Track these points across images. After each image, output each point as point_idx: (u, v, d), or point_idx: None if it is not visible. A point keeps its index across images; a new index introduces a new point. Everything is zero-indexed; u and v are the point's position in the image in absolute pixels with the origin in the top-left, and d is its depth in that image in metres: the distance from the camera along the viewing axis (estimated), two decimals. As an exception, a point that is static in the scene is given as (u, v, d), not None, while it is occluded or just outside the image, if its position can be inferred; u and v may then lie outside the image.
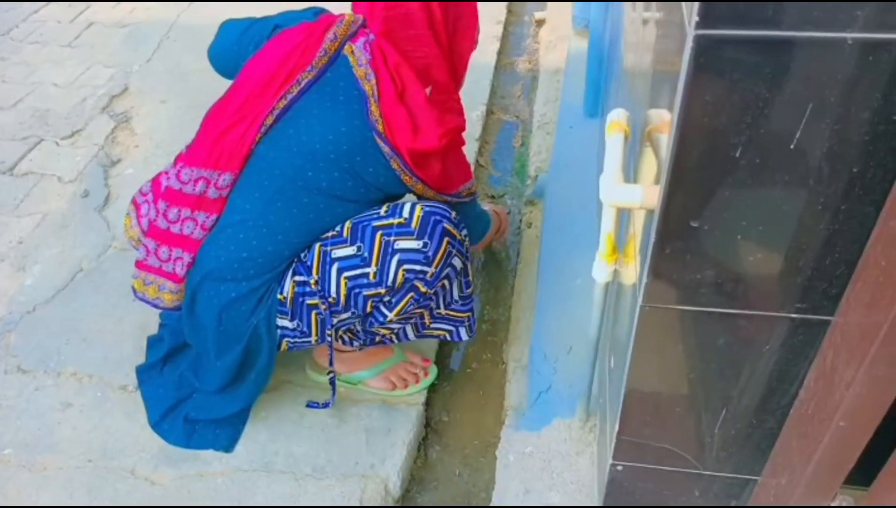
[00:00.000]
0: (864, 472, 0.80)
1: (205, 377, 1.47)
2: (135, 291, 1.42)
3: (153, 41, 2.82)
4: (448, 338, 1.51)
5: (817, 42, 0.63)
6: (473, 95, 2.48)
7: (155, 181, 1.41)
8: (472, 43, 1.42)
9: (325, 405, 1.51)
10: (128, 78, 2.61)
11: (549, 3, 3.03)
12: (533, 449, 1.43)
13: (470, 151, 2.25)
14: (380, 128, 1.27)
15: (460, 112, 1.43)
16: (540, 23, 2.99)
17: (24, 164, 2.25)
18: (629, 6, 1.45)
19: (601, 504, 1.21)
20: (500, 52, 2.79)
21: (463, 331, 1.49)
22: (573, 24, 2.63)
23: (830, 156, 0.69)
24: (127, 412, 1.55)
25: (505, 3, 3.06)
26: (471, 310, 1.47)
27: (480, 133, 2.36)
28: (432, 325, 1.47)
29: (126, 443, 1.50)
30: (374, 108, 1.27)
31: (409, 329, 1.46)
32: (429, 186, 1.34)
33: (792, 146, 0.69)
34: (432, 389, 1.64)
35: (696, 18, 0.63)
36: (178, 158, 1.39)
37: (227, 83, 1.51)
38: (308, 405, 1.53)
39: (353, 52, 1.30)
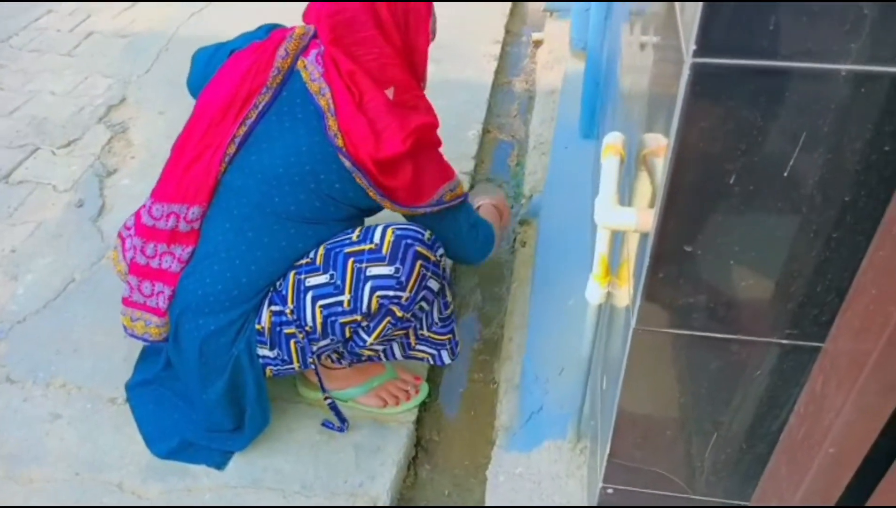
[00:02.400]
0: (852, 500, 0.80)
1: (198, 410, 1.46)
2: (125, 328, 1.42)
3: (152, 52, 2.83)
4: (431, 361, 1.50)
5: (812, 73, 0.64)
6: (470, 113, 2.50)
7: (137, 215, 1.40)
8: (427, 37, 1.37)
9: (341, 430, 1.50)
10: (126, 88, 2.62)
11: (546, 24, 3.05)
12: (523, 470, 1.42)
13: (465, 169, 2.26)
14: (339, 143, 1.24)
15: (427, 109, 1.37)
16: (538, 43, 3.02)
17: (19, 172, 2.24)
18: (627, 30, 1.47)
19: (590, 527, 1.20)
20: (497, 72, 2.81)
21: (445, 355, 1.48)
22: (571, 46, 2.65)
23: (823, 185, 0.70)
24: (116, 425, 1.54)
25: (503, 24, 3.09)
26: (451, 332, 1.46)
27: (476, 152, 2.36)
28: (417, 346, 1.46)
29: (114, 456, 1.48)
30: (331, 122, 1.24)
31: (396, 349, 1.46)
32: (396, 204, 1.30)
33: (785, 174, 0.70)
34: (423, 407, 1.63)
35: (693, 47, 0.64)
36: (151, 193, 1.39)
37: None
38: (323, 425, 1.52)
39: (305, 66, 1.28)
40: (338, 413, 1.49)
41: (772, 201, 0.72)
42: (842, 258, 0.74)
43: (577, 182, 2.04)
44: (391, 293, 1.26)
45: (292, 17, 1.55)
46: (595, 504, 1.15)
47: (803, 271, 0.77)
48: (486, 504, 1.39)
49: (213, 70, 1.39)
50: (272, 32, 1.37)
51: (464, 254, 1.46)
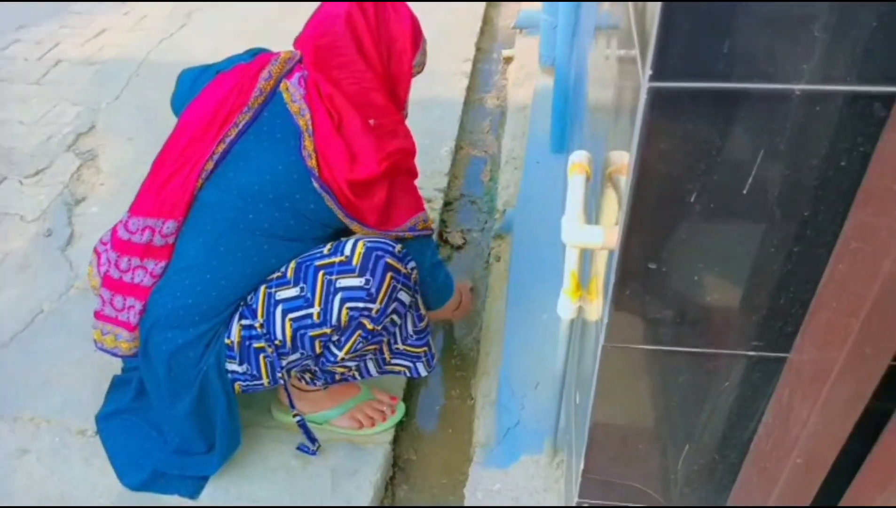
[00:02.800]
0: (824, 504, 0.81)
1: (168, 428, 1.45)
2: (95, 341, 1.42)
3: (122, 79, 2.81)
4: (408, 374, 1.51)
5: (766, 94, 0.65)
6: (443, 130, 2.51)
7: (114, 230, 1.40)
8: (410, 67, 1.40)
9: (314, 453, 1.49)
10: (95, 116, 2.60)
11: (516, 41, 3.09)
12: (501, 486, 1.43)
13: (439, 185, 2.27)
14: (311, 164, 1.26)
15: (406, 135, 1.39)
16: (508, 60, 3.05)
17: (-15, 203, 2.21)
18: (592, 48, 1.49)
19: (569, 543, 1.21)
20: (468, 89, 2.83)
21: (421, 367, 1.49)
22: (540, 63, 2.68)
23: (782, 200, 0.71)
24: (85, 458, 1.51)
25: (473, 41, 3.12)
26: (426, 345, 1.47)
27: (450, 168, 2.38)
28: (392, 360, 1.46)
29: (84, 490, 1.46)
30: (307, 142, 1.26)
31: (370, 365, 1.46)
32: (367, 226, 1.32)
33: (745, 191, 0.71)
34: (400, 426, 1.63)
35: (649, 72, 0.65)
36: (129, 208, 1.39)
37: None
38: (298, 448, 1.51)
39: (287, 88, 1.31)
40: (307, 433, 1.48)
41: (733, 217, 0.74)
42: (804, 271, 0.76)
43: (549, 196, 2.05)
44: (361, 305, 1.26)
45: (264, 42, 1.55)
46: (573, 520, 1.16)
47: (766, 284, 0.78)
48: (466, 523, 1.39)
49: (197, 90, 1.40)
50: (258, 56, 1.40)
51: (421, 291, 1.44)
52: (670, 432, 0.97)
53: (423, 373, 1.50)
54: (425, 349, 1.47)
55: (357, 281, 1.26)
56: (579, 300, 1.10)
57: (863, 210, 0.67)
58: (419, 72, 1.46)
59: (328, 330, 1.29)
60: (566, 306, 1.10)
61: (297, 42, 1.37)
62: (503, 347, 1.73)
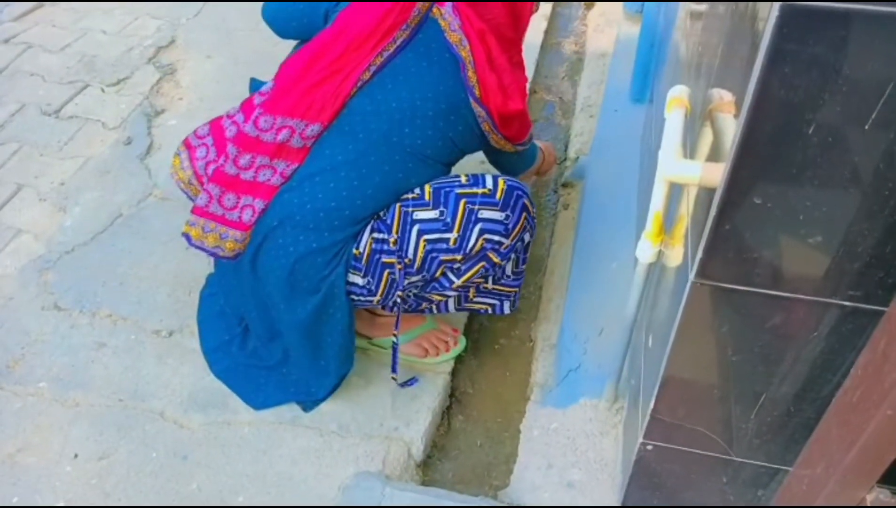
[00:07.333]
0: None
1: (271, 341, 1.46)
2: (189, 238, 1.35)
3: (201, -3, 2.83)
4: (490, 311, 1.51)
5: (905, 20, 0.61)
6: (518, 72, 2.47)
7: (215, 125, 1.39)
8: (531, 8, 1.45)
9: (411, 383, 1.52)
10: (175, 31, 2.62)
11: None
12: (558, 426, 1.43)
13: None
14: (477, 93, 1.32)
15: (524, 66, 1.47)
16: (589, 6, 2.96)
17: (69, 107, 2.27)
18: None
19: (626, 483, 1.21)
20: (546, 32, 2.76)
21: (507, 305, 1.50)
22: (625, 9, 2.60)
23: (905, 141, 0.68)
24: (159, 356, 1.57)
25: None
26: (519, 286, 1.48)
27: (522, 111, 2.34)
28: (475, 299, 1.47)
29: (156, 386, 1.52)
30: (471, 73, 1.31)
31: (451, 302, 1.46)
32: (509, 141, 1.43)
33: (866, 127, 0.68)
34: (459, 361, 1.64)
35: (784, -13, 0.61)
36: (246, 105, 1.37)
37: (277, 41, 1.50)
38: (405, 384, 1.53)
39: (442, 15, 1.32)
40: (395, 358, 1.49)
41: (849, 154, 0.70)
42: (915, 220, 0.72)
43: (624, 146, 2.01)
44: (496, 238, 1.31)
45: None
46: (631, 461, 1.15)
47: (873, 231, 0.75)
48: (520, 457, 1.40)
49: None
50: None
51: (514, 169, 1.60)
52: (747, 380, 0.95)
53: (507, 311, 1.51)
54: (517, 289, 1.48)
55: (498, 215, 1.31)
56: (660, 245, 1.08)
57: None
58: (536, 10, 1.49)
59: (459, 257, 1.32)
60: (646, 250, 1.08)
61: None
62: (567, 293, 1.72)
